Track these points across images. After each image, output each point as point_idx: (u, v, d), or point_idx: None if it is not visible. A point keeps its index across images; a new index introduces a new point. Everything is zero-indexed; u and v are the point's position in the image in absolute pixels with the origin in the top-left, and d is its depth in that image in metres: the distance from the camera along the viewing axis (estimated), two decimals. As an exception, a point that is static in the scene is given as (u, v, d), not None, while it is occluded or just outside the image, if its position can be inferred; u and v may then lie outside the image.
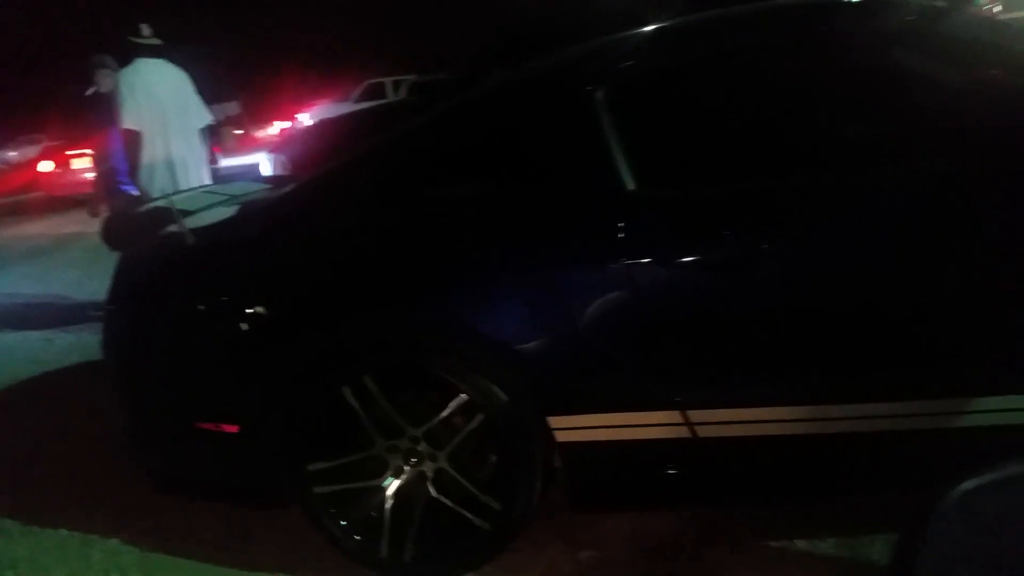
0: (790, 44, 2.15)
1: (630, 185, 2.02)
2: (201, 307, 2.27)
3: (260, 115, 23.65)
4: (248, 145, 18.13)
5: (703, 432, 1.99)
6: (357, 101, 17.33)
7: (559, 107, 2.17)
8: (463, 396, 2.08)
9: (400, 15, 29.15)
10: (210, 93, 5.08)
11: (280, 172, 5.85)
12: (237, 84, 23.71)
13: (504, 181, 2.22)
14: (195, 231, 2.45)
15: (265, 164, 6.10)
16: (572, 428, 2.05)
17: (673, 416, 1.99)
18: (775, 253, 1.91)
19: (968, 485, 0.81)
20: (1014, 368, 1.85)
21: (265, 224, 2.46)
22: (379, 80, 19.57)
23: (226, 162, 7.89)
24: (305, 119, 19.06)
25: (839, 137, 2.08)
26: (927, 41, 2.07)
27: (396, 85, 18.18)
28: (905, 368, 1.91)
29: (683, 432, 2.00)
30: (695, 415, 1.99)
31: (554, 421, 2.04)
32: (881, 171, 1.93)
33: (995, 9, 5.38)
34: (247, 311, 2.16)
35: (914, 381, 1.90)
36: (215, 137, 5.26)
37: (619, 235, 1.97)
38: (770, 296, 1.93)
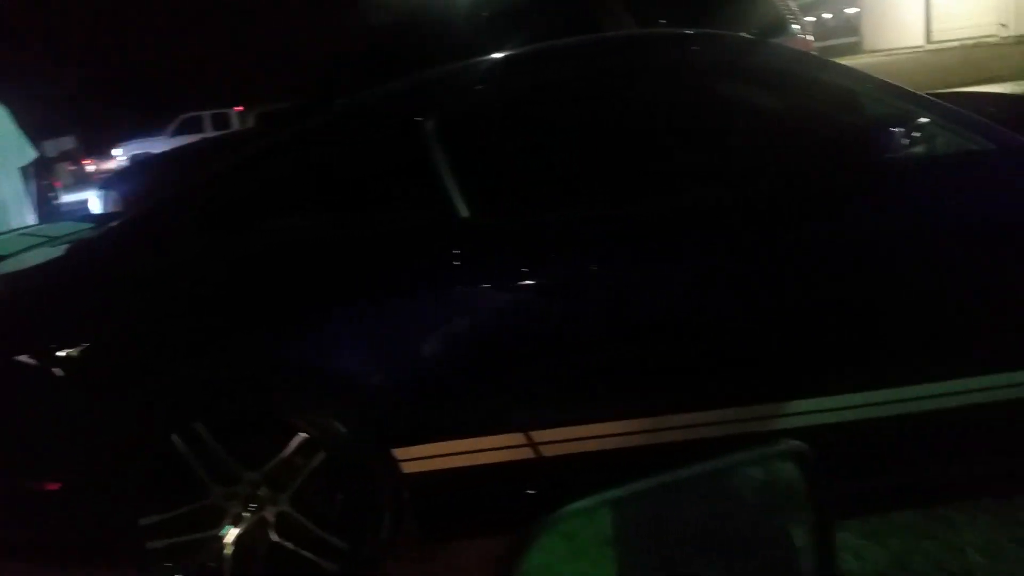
0: (618, 74, 2.24)
1: (464, 213, 2.03)
2: (14, 356, 2.10)
3: (100, 147, 22.53)
4: (89, 179, 17.36)
5: (548, 451, 2.02)
6: (173, 135, 17.20)
7: (390, 138, 2.17)
8: (302, 435, 2.01)
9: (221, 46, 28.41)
10: (43, 126, 4.77)
11: (112, 209, 5.53)
12: (74, 117, 22.51)
13: (338, 212, 2.18)
14: (5, 277, 2.27)
15: (95, 201, 5.75)
16: (418, 458, 2.02)
17: (516, 438, 2.01)
18: (605, 275, 1.97)
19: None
20: (828, 371, 1.99)
21: (82, 265, 2.30)
22: (196, 114, 19.40)
23: (67, 197, 7.40)
24: (120, 154, 18.60)
25: (666, 163, 2.18)
26: (748, 72, 2.20)
27: (216, 118, 18.02)
28: (731, 376, 2.01)
29: (528, 453, 2.02)
30: (538, 435, 2.01)
31: (399, 453, 2.01)
32: (705, 193, 2.04)
33: (808, 39, 5.80)
34: (60, 356, 2.01)
35: (740, 388, 2.00)
36: (50, 172, 4.92)
37: (454, 262, 1.98)
38: (603, 316, 1.98)
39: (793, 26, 5.64)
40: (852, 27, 24.63)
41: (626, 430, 2.00)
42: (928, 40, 19.28)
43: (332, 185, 2.23)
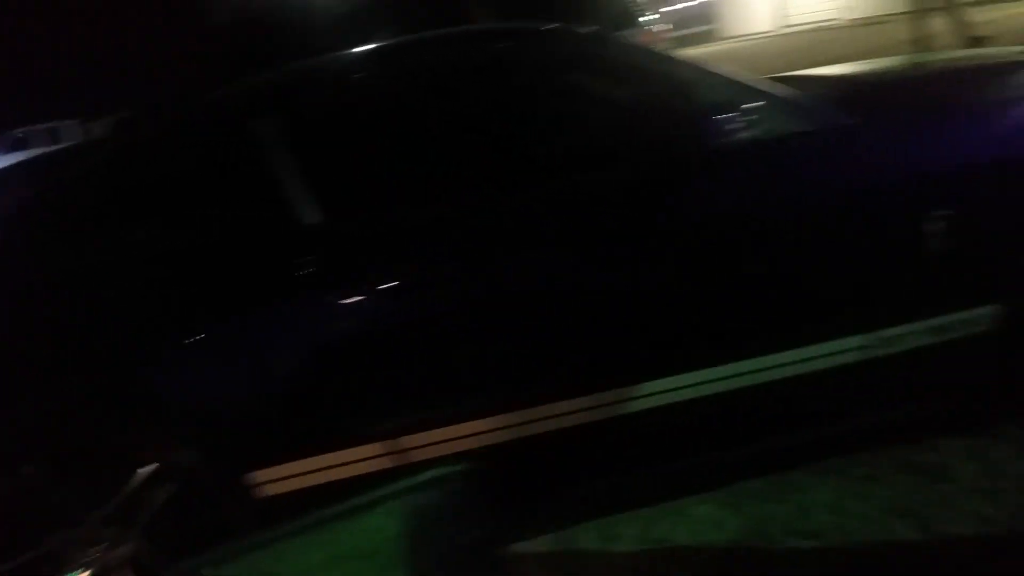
0: (465, 70, 2.24)
1: (311, 218, 1.99)
2: None
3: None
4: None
5: (416, 456, 2.01)
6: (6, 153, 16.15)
7: (228, 143, 2.11)
8: (151, 465, 1.93)
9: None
10: None
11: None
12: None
13: (178, 225, 2.10)
14: None
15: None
16: (279, 479, 1.97)
17: (382, 447, 1.99)
18: (460, 274, 1.96)
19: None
20: (679, 350, 2.07)
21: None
22: (29, 128, 18.08)
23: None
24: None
25: (515, 157, 2.20)
26: (589, 65, 2.24)
27: (52, 131, 16.88)
28: (591, 363, 2.06)
29: (396, 461, 2.01)
30: (405, 441, 2.00)
31: (259, 475, 1.96)
32: (557, 185, 2.07)
33: (661, 29, 6.00)
34: None
35: (600, 374, 2.05)
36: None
37: (304, 271, 1.94)
38: (461, 313, 1.98)
39: (642, 18, 5.84)
40: (710, 15, 25.56)
41: (492, 426, 2.01)
42: (779, 25, 20.22)
43: (171, 196, 2.15)
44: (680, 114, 2.02)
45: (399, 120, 2.22)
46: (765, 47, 16.33)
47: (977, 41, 7.71)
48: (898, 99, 2.29)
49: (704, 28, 25.93)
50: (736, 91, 2.08)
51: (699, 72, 2.15)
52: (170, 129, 2.35)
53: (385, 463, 2.00)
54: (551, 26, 2.24)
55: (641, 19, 5.84)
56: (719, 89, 2.11)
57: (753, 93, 2.08)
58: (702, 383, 2.04)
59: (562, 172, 2.09)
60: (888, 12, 16.51)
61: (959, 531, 1.99)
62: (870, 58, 3.88)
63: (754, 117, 2.03)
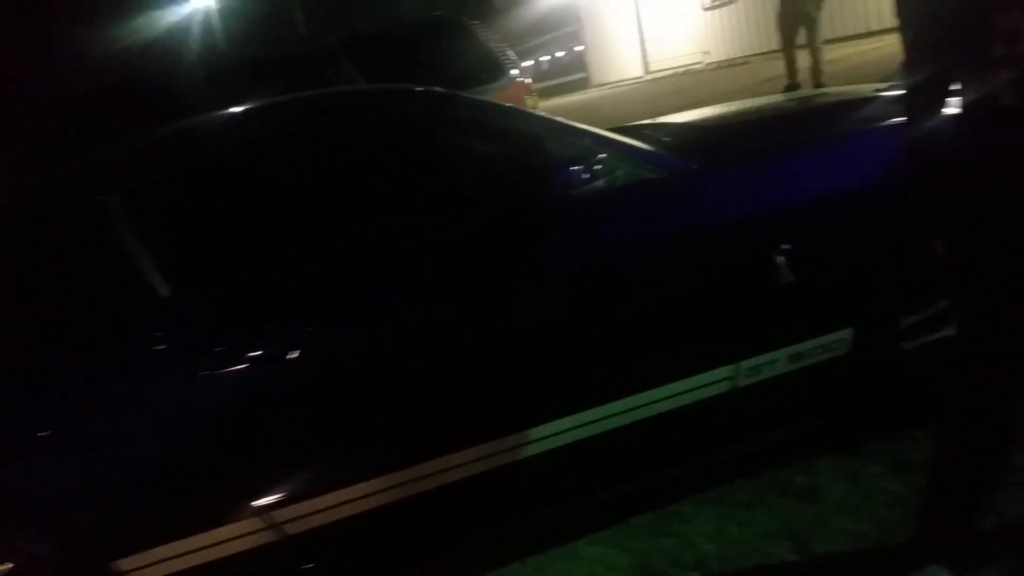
0: (319, 133, 2.23)
1: (163, 291, 1.93)
2: None
3: None
4: None
5: (293, 529, 1.95)
6: None
7: (75, 221, 2.01)
8: (5, 565, 1.79)
9: None
10: None
11: None
12: None
13: (25, 308, 1.99)
14: None
15: None
16: (146, 566, 1.87)
17: (256, 523, 1.92)
18: (319, 337, 1.93)
19: None
20: (547, 398, 2.09)
21: None
22: None
23: None
24: None
25: (369, 218, 2.20)
26: (446, 124, 2.27)
27: None
28: (467, 416, 2.05)
29: (272, 536, 1.94)
30: (279, 515, 1.93)
31: (124, 563, 1.84)
32: (410, 242, 2.07)
33: (528, 82, 6.19)
34: None
35: (478, 426, 2.04)
36: None
37: (157, 345, 1.87)
38: (318, 379, 1.94)
39: (512, 71, 6.02)
40: (582, 64, 26.50)
41: (369, 491, 1.97)
42: (646, 71, 21.12)
43: (17, 277, 2.03)
44: (531, 167, 2.08)
45: (250, 184, 2.19)
46: (632, 93, 17.02)
47: (817, 79, 8.21)
48: (740, 143, 2.43)
49: (576, 77, 26.86)
50: (585, 143, 2.16)
51: (550, 126, 2.22)
52: (19, 206, 2.24)
53: (260, 539, 1.93)
54: (401, 88, 2.28)
55: (509, 72, 6.02)
56: (569, 141, 2.19)
57: (602, 144, 2.16)
58: (578, 427, 2.08)
59: (416, 229, 2.10)
60: (744, 55, 17.60)
61: (833, 549, 2.07)
62: (729, 99, 4.11)
63: (603, 167, 2.11)
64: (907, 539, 1.96)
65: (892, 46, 8.37)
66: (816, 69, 7.96)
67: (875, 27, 13.36)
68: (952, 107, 1.66)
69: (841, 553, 2.05)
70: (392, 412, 1.98)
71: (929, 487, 1.91)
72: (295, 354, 1.87)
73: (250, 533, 1.93)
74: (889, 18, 10.88)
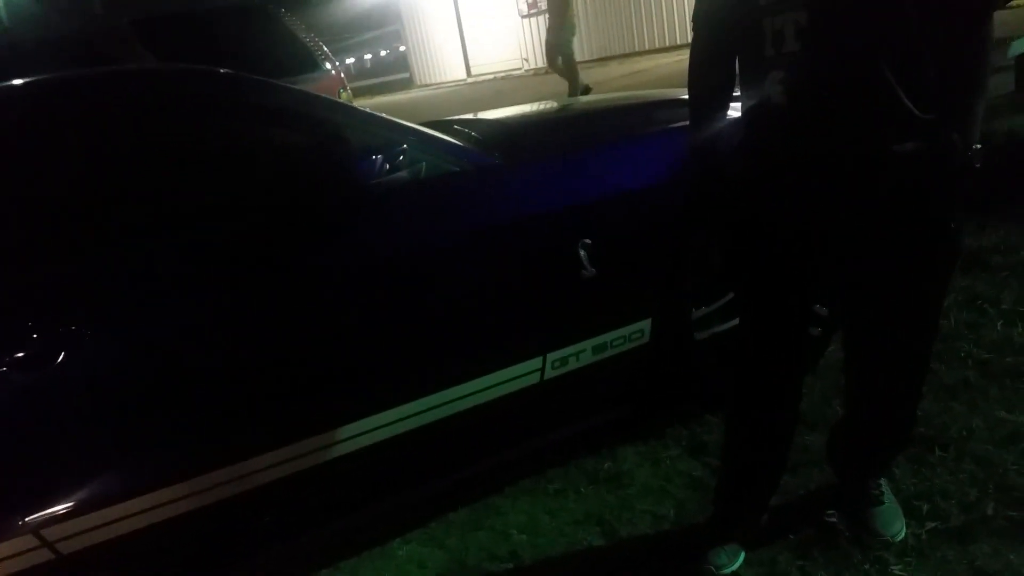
0: (101, 113, 2.03)
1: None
2: None
3: None
4: None
5: (67, 548, 1.77)
6: None
7: None
8: None
9: None
10: None
11: None
12: None
13: None
14: None
15: None
16: None
17: (28, 541, 1.73)
18: (89, 338, 1.75)
19: None
20: (358, 394, 2.03)
21: None
22: None
23: None
24: None
25: (156, 205, 2.03)
26: (244, 108, 2.13)
27: None
28: (272, 415, 1.94)
29: (46, 555, 1.75)
30: (50, 533, 1.75)
31: None
32: (198, 232, 1.94)
33: (340, 76, 6.06)
34: None
35: (284, 427, 1.95)
36: None
37: None
38: (92, 383, 1.77)
39: (325, 64, 5.88)
40: (405, 64, 26.39)
41: (161, 501, 1.83)
42: (468, 74, 21.37)
43: None
44: (333, 155, 2.01)
45: (17, 168, 1.96)
46: (453, 95, 17.16)
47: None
48: (543, 140, 2.48)
49: (399, 76, 26.71)
50: (389, 133, 2.12)
51: (353, 115, 2.16)
52: None
53: (38, 557, 1.75)
54: (191, 68, 2.13)
55: (322, 65, 5.87)
56: (372, 131, 2.13)
57: (406, 135, 2.13)
58: (388, 424, 2.04)
59: (206, 217, 1.98)
60: (561, 63, 18.15)
61: (637, 532, 2.15)
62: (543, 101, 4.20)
63: (405, 158, 2.08)
64: (705, 519, 2.08)
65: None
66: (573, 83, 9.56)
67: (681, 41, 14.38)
68: (734, 111, 1.77)
69: (646, 535, 2.14)
70: (179, 417, 1.84)
71: (722, 469, 2.03)
72: (60, 357, 1.69)
73: (16, 555, 1.74)
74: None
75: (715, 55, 1.72)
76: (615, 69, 14.56)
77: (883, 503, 1.95)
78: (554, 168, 2.22)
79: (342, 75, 6.16)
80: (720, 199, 1.81)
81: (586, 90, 9.27)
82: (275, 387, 1.92)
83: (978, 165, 1.52)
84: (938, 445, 2.18)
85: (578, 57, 10.07)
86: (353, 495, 2.15)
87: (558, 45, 9.53)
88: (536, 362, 2.20)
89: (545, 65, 11.38)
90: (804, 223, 1.64)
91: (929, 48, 1.47)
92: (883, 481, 1.99)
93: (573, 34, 9.59)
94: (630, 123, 2.58)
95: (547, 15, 10.59)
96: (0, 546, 1.72)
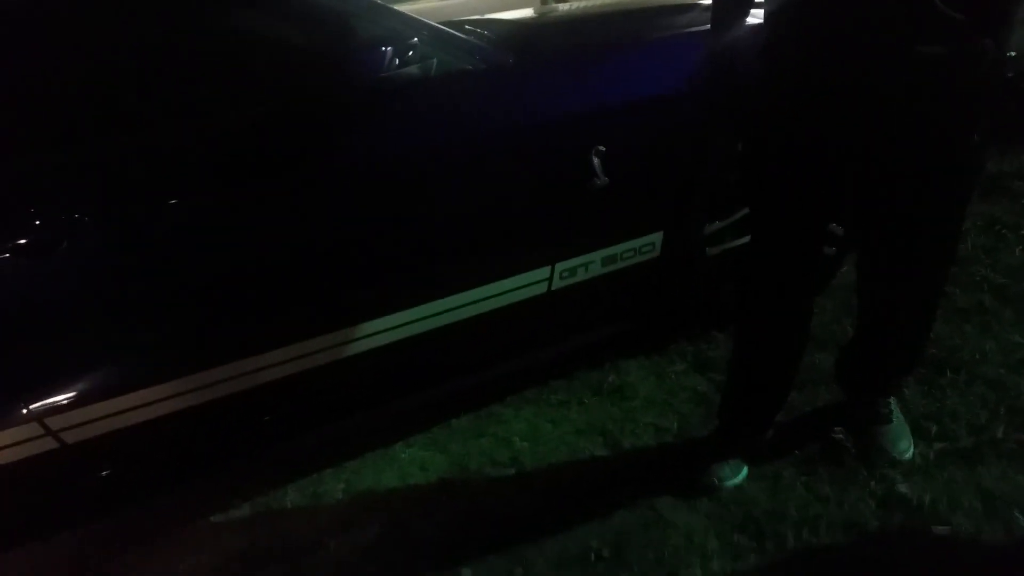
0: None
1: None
2: None
3: None
4: None
5: (71, 437, 1.76)
6: None
7: None
8: None
9: None
10: None
11: None
12: None
13: None
14: None
15: None
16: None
17: (33, 429, 1.73)
18: (97, 224, 1.71)
19: None
20: (362, 299, 1.99)
21: None
22: None
23: None
24: None
25: (161, 95, 1.95)
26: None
27: None
28: (274, 316, 1.92)
29: (50, 444, 1.75)
30: (53, 421, 1.74)
31: None
32: (210, 123, 1.87)
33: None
34: None
35: (284, 327, 1.92)
36: None
37: None
38: (106, 272, 1.73)
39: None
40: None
41: (168, 394, 1.82)
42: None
43: None
44: (341, 46, 1.92)
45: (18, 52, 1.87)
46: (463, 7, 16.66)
47: None
48: (560, 41, 2.38)
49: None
50: (399, 26, 2.02)
51: (362, 5, 2.05)
52: None
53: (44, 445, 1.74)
54: None
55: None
56: (382, 23, 2.03)
57: (416, 29, 2.03)
58: (393, 328, 2.00)
59: (215, 109, 1.91)
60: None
61: (640, 444, 2.16)
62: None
63: (415, 53, 1.99)
64: (708, 433, 2.07)
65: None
66: None
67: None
68: (755, 17, 1.67)
69: (648, 447, 2.14)
70: (185, 312, 1.81)
71: (728, 384, 2.01)
72: (63, 245, 1.65)
73: (21, 442, 1.73)
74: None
75: None
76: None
77: (891, 422, 1.94)
78: (569, 71, 2.13)
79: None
80: (737, 108, 1.73)
81: None
82: (280, 286, 1.88)
83: (1010, 75, 1.43)
84: (949, 367, 2.16)
85: None
86: (358, 397, 2.13)
87: None
88: (544, 271, 2.16)
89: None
90: (823, 133, 1.57)
91: None
92: (892, 400, 1.97)
93: None
94: (649, 27, 2.47)
95: None
96: (4, 433, 1.72)
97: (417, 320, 2.03)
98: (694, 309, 2.53)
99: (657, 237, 2.31)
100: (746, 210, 2.44)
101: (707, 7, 1.88)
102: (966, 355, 2.21)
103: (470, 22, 2.62)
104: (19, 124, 1.78)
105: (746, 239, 2.42)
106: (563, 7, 3.40)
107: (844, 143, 1.57)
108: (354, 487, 2.16)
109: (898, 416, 1.96)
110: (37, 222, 1.65)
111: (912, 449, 1.91)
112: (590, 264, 2.23)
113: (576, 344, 2.39)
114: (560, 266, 2.18)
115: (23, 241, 1.63)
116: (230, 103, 1.92)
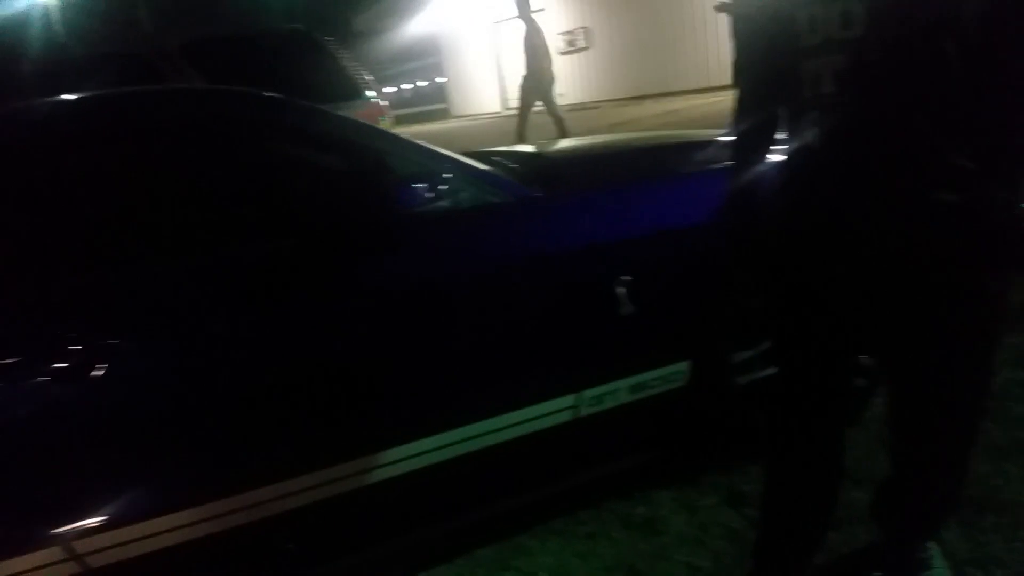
0: (148, 130, 2.03)
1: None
2: None
3: None
4: None
5: (96, 561, 1.74)
6: None
7: None
8: None
9: None
10: None
11: None
12: None
13: None
14: None
15: None
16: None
17: (55, 553, 1.71)
18: (129, 348, 1.74)
19: None
20: (387, 425, 1.98)
21: None
22: None
23: None
24: None
25: (196, 223, 2.02)
26: (284, 132, 2.12)
27: None
28: (302, 442, 1.91)
29: (73, 568, 1.73)
30: (81, 545, 1.72)
31: None
32: (241, 252, 1.93)
33: (383, 103, 6.12)
34: None
35: (312, 454, 1.91)
36: None
37: None
38: (128, 397, 1.75)
39: (368, 92, 5.94)
40: (443, 95, 26.74)
41: (180, 523, 1.80)
42: (504, 107, 21.52)
43: None
44: (374, 182, 2.00)
45: (60, 179, 1.96)
46: (490, 126, 17.27)
47: None
48: (585, 174, 2.45)
49: (437, 107, 27.04)
50: (431, 163, 2.10)
51: (396, 143, 2.15)
52: None
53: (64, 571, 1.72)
54: (238, 90, 2.13)
55: (364, 93, 5.93)
56: (414, 160, 2.12)
57: (447, 165, 2.11)
58: (416, 455, 1.99)
59: (250, 239, 1.97)
60: (596, 100, 18.27)
61: (671, 582, 2.08)
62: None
63: (447, 188, 2.06)
64: (743, 574, 1.99)
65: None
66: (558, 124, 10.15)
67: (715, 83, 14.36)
68: (775, 154, 1.72)
69: (678, 586, 2.06)
70: (195, 439, 1.82)
71: (762, 522, 1.95)
72: (101, 370, 1.67)
73: (40, 567, 1.71)
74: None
75: (757, 98, 1.68)
76: (649, 108, 14.60)
77: (932, 567, 1.86)
78: (594, 202, 2.19)
79: (383, 103, 6.21)
80: (759, 244, 1.75)
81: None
82: (303, 412, 1.89)
83: None
84: (991, 509, 2.09)
85: (612, 96, 10.43)
86: (378, 526, 2.10)
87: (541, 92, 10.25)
88: (571, 399, 2.15)
89: (581, 100, 11.54)
90: (841, 273, 1.58)
91: (974, 97, 1.41)
92: (932, 544, 1.90)
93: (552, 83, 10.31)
94: (672, 161, 2.55)
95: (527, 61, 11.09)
96: (26, 557, 1.70)
97: (441, 447, 2.02)
98: (724, 439, 2.49)
99: (685, 365, 2.30)
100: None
101: (726, 144, 1.94)
102: (1008, 495, 2.13)
103: (497, 153, 2.71)
104: (57, 248, 1.85)
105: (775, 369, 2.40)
106: (583, 139, 3.51)
107: (864, 280, 1.57)
108: (376, 621, 2.09)
109: (939, 561, 1.88)
110: (74, 346, 1.68)
111: (956, 598, 1.82)
112: (617, 391, 2.22)
113: (604, 473, 2.35)
114: (587, 394, 2.17)
115: (60, 364, 1.66)
116: (273, 231, 1.98)
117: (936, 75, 1.40)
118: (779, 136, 1.67)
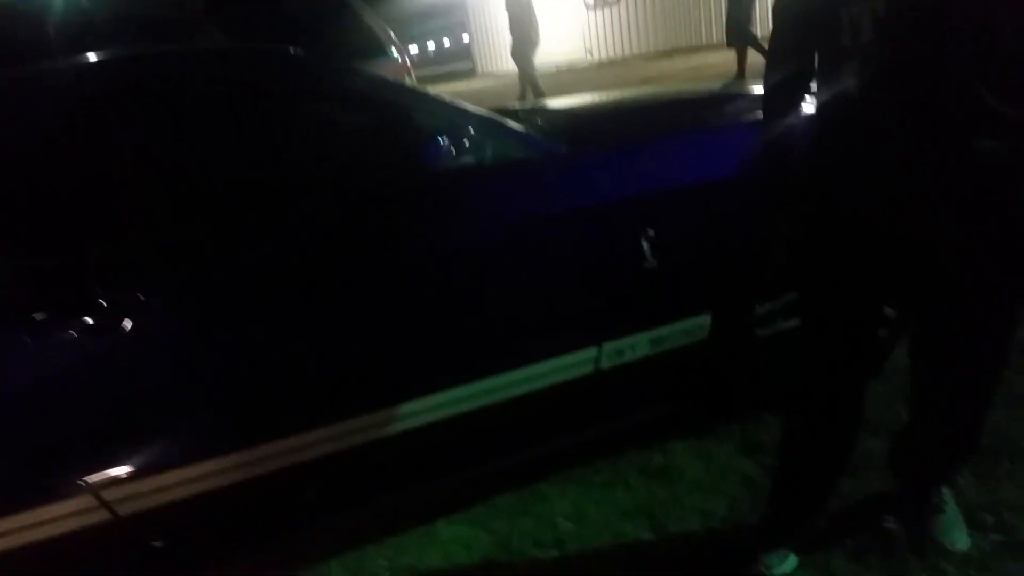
0: (189, 89, 2.06)
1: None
2: None
3: None
4: None
5: (125, 509, 1.82)
6: None
7: None
8: None
9: None
10: None
11: None
12: None
13: None
14: None
15: None
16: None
17: (86, 501, 1.78)
18: (156, 305, 1.79)
19: None
20: (417, 374, 2.03)
21: None
22: None
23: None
24: None
25: (236, 182, 2.06)
26: (318, 89, 2.15)
27: None
28: (326, 393, 1.97)
29: (103, 516, 1.80)
30: (109, 494, 1.80)
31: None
32: (278, 211, 1.97)
33: (406, 62, 6.09)
34: None
35: (337, 402, 1.97)
36: None
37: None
38: (155, 351, 1.80)
39: (392, 50, 5.92)
40: (468, 53, 26.49)
41: (224, 467, 1.87)
42: (531, 65, 21.31)
43: None
44: (402, 138, 2.02)
45: (110, 139, 2.01)
46: (515, 84, 17.13)
47: None
48: (610, 129, 2.44)
49: (461, 66, 26.81)
50: (458, 118, 2.11)
51: (423, 99, 2.16)
52: None
53: (93, 518, 1.80)
54: (263, 48, 2.16)
55: (388, 52, 5.91)
56: (441, 115, 2.13)
57: (474, 120, 2.12)
58: (441, 406, 2.04)
59: (285, 197, 2.01)
60: (625, 55, 18.03)
61: (686, 528, 2.12)
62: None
63: (471, 144, 2.07)
64: (757, 520, 2.03)
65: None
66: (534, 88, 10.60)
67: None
68: (808, 106, 1.71)
69: (694, 532, 2.11)
70: (245, 386, 1.88)
71: (777, 469, 1.98)
72: (127, 323, 1.73)
73: (72, 514, 1.79)
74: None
75: (793, 47, 1.67)
76: (680, 63, 14.40)
77: (945, 511, 1.89)
78: (619, 157, 2.19)
79: (407, 62, 6.19)
80: (789, 194, 1.76)
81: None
82: (330, 363, 1.94)
83: None
84: (1007, 456, 2.10)
85: (644, 49, 10.51)
86: (402, 474, 2.16)
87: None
88: (592, 352, 2.18)
89: (609, 55, 11.50)
90: (876, 222, 1.58)
91: (1016, 44, 1.39)
92: (946, 490, 1.92)
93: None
94: (696, 115, 2.54)
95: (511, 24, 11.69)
96: (60, 505, 1.77)
97: (468, 398, 2.07)
98: (743, 391, 2.51)
99: (706, 319, 2.32)
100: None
101: (756, 97, 1.93)
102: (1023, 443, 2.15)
103: (522, 109, 2.71)
104: (94, 212, 1.90)
105: (796, 322, 2.41)
106: (608, 95, 3.49)
107: (896, 230, 1.58)
108: (396, 564, 2.16)
109: (952, 506, 1.90)
110: (101, 301, 1.74)
111: (967, 540, 1.85)
112: (638, 345, 2.24)
113: (623, 424, 2.39)
114: (608, 346, 2.20)
115: (89, 320, 1.72)
116: (294, 193, 2.01)
117: (976, 21, 1.39)
118: (813, 87, 1.67)
